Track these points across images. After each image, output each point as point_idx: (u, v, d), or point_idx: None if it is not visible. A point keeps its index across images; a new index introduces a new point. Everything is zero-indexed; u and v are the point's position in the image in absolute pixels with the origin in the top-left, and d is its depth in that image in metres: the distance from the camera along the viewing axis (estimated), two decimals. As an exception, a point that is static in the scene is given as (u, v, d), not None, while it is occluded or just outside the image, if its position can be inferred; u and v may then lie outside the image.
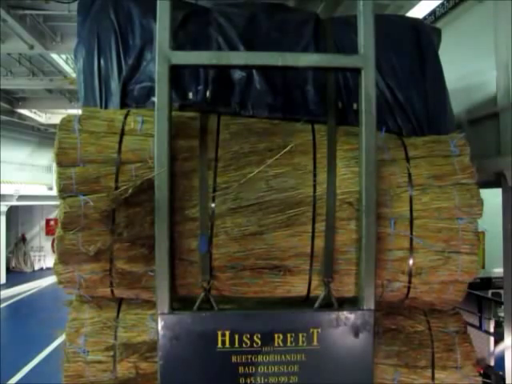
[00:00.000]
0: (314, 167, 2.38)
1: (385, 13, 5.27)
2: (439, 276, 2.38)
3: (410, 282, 2.39)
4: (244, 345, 2.13)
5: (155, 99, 2.16)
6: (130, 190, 2.23)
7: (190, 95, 2.55)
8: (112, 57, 2.59)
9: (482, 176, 2.53)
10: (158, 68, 2.14)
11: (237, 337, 2.13)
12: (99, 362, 2.42)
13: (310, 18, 2.76)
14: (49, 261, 20.02)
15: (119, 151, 2.34)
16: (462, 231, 2.38)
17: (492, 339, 5.03)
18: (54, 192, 2.56)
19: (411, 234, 2.36)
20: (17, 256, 20.27)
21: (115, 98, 2.58)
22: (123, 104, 2.57)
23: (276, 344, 2.15)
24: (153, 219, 2.15)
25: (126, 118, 2.44)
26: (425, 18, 4.77)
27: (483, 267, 5.27)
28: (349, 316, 2.19)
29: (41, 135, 19.70)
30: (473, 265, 2.40)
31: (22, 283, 16.65)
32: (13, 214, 19.02)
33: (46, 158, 19.89)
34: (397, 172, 2.43)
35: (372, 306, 2.20)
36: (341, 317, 2.18)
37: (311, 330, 2.16)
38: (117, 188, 2.28)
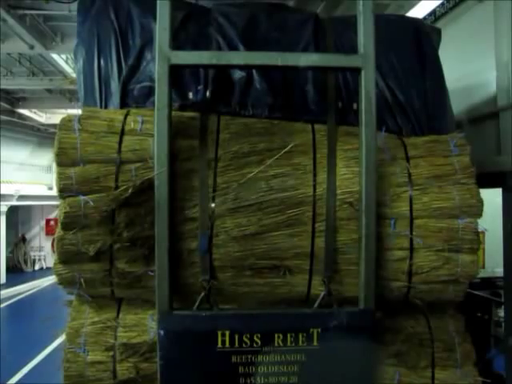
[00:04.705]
0: (314, 167, 2.38)
1: (385, 13, 5.27)
2: (439, 276, 2.38)
3: (410, 281, 2.39)
4: (244, 345, 2.13)
5: (155, 99, 2.16)
6: (130, 190, 2.23)
7: (190, 95, 2.56)
8: (112, 57, 2.59)
9: (481, 176, 2.52)
10: (157, 68, 2.14)
11: (237, 337, 2.13)
12: (99, 362, 2.43)
13: (309, 18, 2.76)
14: (49, 261, 20.01)
15: (119, 151, 2.33)
16: (462, 231, 2.38)
17: (492, 339, 5.03)
18: (54, 192, 2.56)
19: (411, 233, 2.36)
20: (17, 256, 20.25)
21: (115, 98, 2.58)
22: (123, 104, 2.57)
23: (276, 344, 2.14)
24: (153, 219, 2.15)
25: (125, 117, 2.44)
26: (425, 17, 4.77)
27: (483, 267, 5.26)
28: (349, 316, 2.19)
29: (41, 135, 19.71)
30: (473, 264, 2.40)
31: (22, 283, 16.63)
32: (13, 214, 19.01)
33: (45, 158, 19.90)
34: (397, 172, 2.43)
35: (372, 306, 2.20)
36: (341, 317, 2.18)
37: (311, 330, 2.16)
38: (117, 188, 2.28)
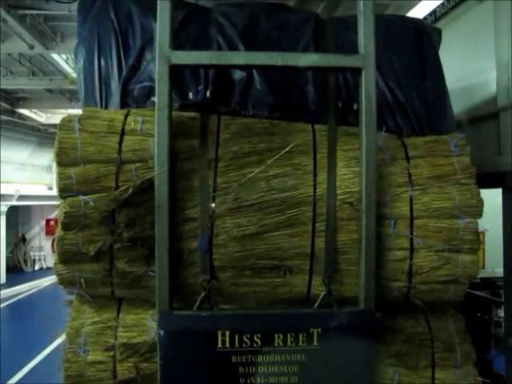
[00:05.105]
0: (314, 167, 2.38)
1: (385, 13, 5.27)
2: (439, 276, 2.38)
3: (410, 281, 2.39)
4: (244, 345, 2.13)
5: (155, 99, 2.16)
6: (130, 190, 2.23)
7: (191, 95, 2.55)
8: (112, 57, 2.59)
9: (482, 176, 2.52)
10: (158, 68, 2.14)
11: (237, 337, 2.13)
12: (99, 362, 2.42)
13: (310, 18, 2.76)
14: (49, 261, 20.01)
15: (119, 151, 2.33)
16: (463, 231, 2.38)
17: (492, 339, 5.03)
18: (54, 192, 2.56)
19: (411, 233, 2.36)
20: (17, 256, 20.24)
21: (115, 98, 2.58)
22: (123, 104, 2.57)
23: (276, 344, 2.15)
24: (153, 219, 2.15)
25: (126, 117, 2.44)
26: (425, 17, 4.77)
27: (483, 267, 5.26)
28: (349, 316, 2.19)
29: (41, 135, 19.72)
30: (473, 265, 2.40)
31: (22, 283, 16.62)
32: (13, 214, 19.01)
33: (46, 158, 19.91)
34: (397, 172, 2.43)
35: (372, 306, 2.20)
36: (341, 317, 2.18)
37: (311, 330, 2.16)
38: (117, 188, 2.28)
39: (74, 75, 2.79)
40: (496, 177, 3.43)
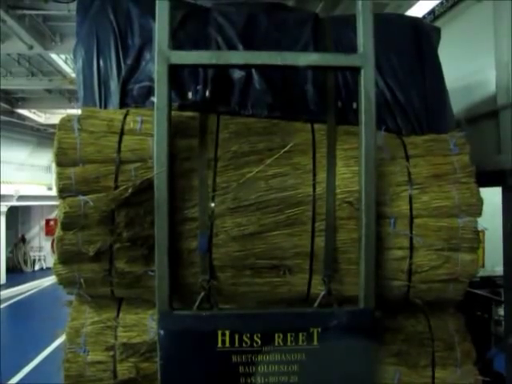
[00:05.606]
0: (314, 167, 2.38)
1: (384, 12, 5.27)
2: (439, 275, 2.38)
3: (409, 280, 2.39)
4: (244, 344, 2.13)
5: (155, 99, 2.16)
6: (129, 190, 2.23)
7: (190, 95, 2.55)
8: (111, 57, 2.59)
9: (481, 175, 2.52)
10: (157, 68, 2.14)
11: (237, 336, 2.13)
12: (99, 362, 2.42)
13: (309, 18, 2.76)
14: (49, 261, 20.02)
15: (119, 151, 2.33)
16: (462, 230, 2.38)
17: (492, 338, 5.03)
18: (54, 192, 2.56)
19: (411, 232, 2.36)
20: (17, 256, 20.25)
21: (114, 98, 2.58)
22: (122, 104, 2.57)
23: (276, 343, 2.14)
24: (152, 219, 2.15)
25: (125, 117, 2.44)
26: (424, 17, 4.77)
27: (483, 266, 5.27)
28: (349, 315, 2.19)
29: (40, 135, 19.71)
30: (473, 263, 2.40)
31: (22, 283, 16.64)
32: (13, 214, 19.00)
33: (45, 158, 19.91)
34: (396, 171, 2.43)
35: (372, 305, 2.20)
36: (341, 316, 2.18)
37: (311, 330, 2.16)
38: (116, 188, 2.28)
39: (73, 75, 2.80)
40: (495, 175, 3.43)
